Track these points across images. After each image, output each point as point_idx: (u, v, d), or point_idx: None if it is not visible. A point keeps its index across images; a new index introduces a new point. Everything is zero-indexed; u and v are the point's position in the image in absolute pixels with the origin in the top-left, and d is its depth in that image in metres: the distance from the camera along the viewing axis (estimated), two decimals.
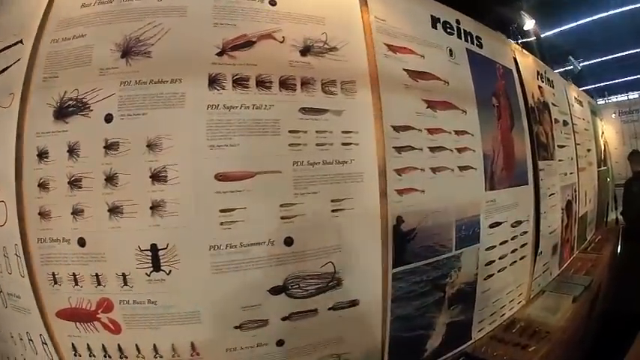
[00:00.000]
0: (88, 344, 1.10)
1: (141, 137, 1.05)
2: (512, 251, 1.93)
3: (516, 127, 2.04)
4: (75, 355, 1.11)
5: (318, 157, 1.17)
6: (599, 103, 4.75)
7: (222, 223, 1.05)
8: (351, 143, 1.23)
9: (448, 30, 1.69)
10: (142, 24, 1.10)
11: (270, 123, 1.12)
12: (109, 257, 1.05)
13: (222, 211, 1.06)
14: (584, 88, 4.38)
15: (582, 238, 3.28)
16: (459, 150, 1.58)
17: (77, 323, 1.09)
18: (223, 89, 1.09)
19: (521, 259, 2.02)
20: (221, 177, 1.06)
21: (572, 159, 2.93)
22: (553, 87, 2.75)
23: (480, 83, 1.76)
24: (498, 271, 1.82)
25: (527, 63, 2.41)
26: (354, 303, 1.22)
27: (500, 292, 1.85)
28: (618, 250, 3.57)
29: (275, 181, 1.11)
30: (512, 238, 1.92)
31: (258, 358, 1.11)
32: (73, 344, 1.11)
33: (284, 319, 1.13)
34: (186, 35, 1.11)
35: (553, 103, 2.67)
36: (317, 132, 1.17)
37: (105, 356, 1.10)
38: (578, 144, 3.16)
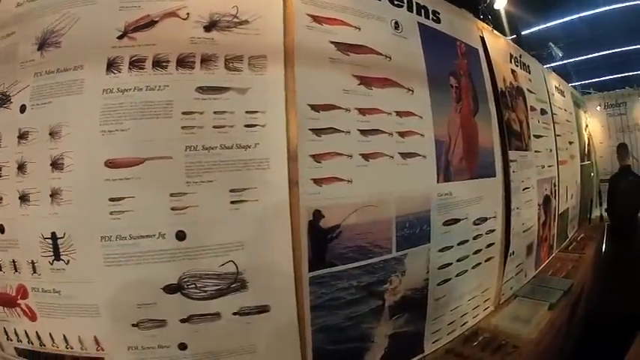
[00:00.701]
0: (14, 329, 1.11)
1: (45, 125, 1.03)
2: (476, 252, 1.67)
3: (481, 112, 1.78)
4: (7, 339, 1.13)
5: (215, 141, 1.02)
6: (583, 94, 4.53)
7: (111, 213, 0.98)
8: (256, 125, 1.06)
9: (396, 2, 1.44)
10: (58, 15, 1.08)
11: (163, 105, 1.01)
12: (22, 244, 1.05)
13: (111, 200, 0.98)
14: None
15: (563, 237, 3.05)
16: (402, 134, 1.33)
17: (4, 308, 1.10)
18: (120, 72, 1.02)
19: (487, 260, 1.76)
20: (110, 164, 0.99)
21: (551, 151, 2.68)
22: (529, 72, 2.50)
23: (433, 60, 1.51)
24: (457, 275, 1.56)
25: (498, 44, 2.16)
26: (263, 309, 1.06)
27: (459, 298, 1.59)
28: (603, 249, 3.36)
29: (165, 168, 0.99)
30: (475, 238, 1.66)
31: None
32: (4, 328, 1.12)
33: (183, 321, 1.01)
34: (93, 22, 1.06)
35: (529, 90, 2.43)
36: (215, 113, 1.03)
37: (28, 342, 1.09)
38: (559, 135, 2.92)
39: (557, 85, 3.20)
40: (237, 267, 1.02)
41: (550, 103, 2.81)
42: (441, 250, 1.47)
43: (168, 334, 1.01)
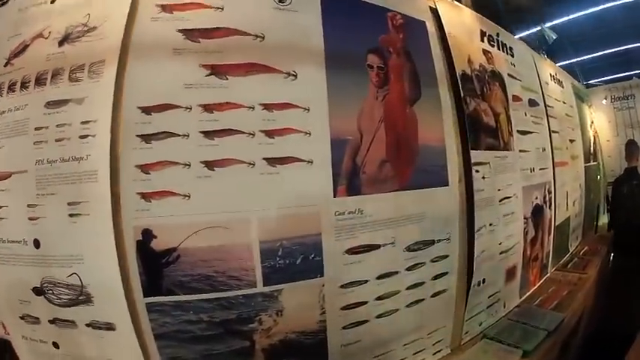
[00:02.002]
0: None
1: None
2: (413, 286, 1.22)
3: (426, 100, 1.32)
4: None
5: (56, 154, 0.98)
6: (587, 87, 3.91)
7: None
8: (88, 135, 0.96)
9: None
10: None
11: (22, 122, 1.02)
12: None
13: None
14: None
15: (562, 251, 2.52)
16: (271, 133, 1.01)
17: None
18: (1, 97, 1.07)
19: (435, 295, 1.30)
20: None
21: (544, 150, 2.17)
22: (512, 55, 2.00)
23: (340, 35, 1.14)
24: (380, 317, 1.13)
25: (461, 17, 1.66)
26: (110, 327, 0.98)
27: (389, 343, 1.17)
28: (609, 265, 2.81)
29: (23, 181, 1.01)
30: (411, 268, 1.21)
31: (45, 355, 1.06)
32: None
33: (51, 322, 1.03)
34: None
35: (512, 75, 1.93)
36: (57, 126, 0.99)
37: None
38: (556, 132, 2.40)
39: (554, 74, 2.68)
40: (81, 280, 0.97)
41: (542, 94, 2.29)
42: (344, 287, 1.06)
43: (43, 331, 1.04)
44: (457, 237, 1.37)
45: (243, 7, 1.04)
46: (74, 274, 0.97)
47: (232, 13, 1.02)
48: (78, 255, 0.95)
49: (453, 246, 1.36)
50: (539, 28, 2.71)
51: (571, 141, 2.77)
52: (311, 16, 1.11)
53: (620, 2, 6.32)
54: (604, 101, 3.67)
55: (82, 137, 0.95)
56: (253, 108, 0.99)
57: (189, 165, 0.93)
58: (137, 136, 0.93)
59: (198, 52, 0.98)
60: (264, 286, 0.98)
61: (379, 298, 1.16)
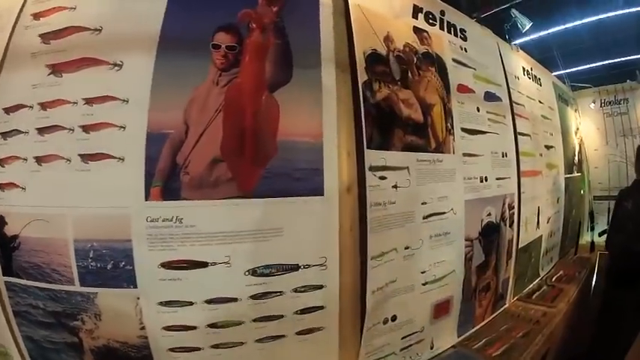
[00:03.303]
0: None
1: None
2: (264, 319, 0.92)
3: (296, 85, 0.97)
4: None
5: None
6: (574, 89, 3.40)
7: None
8: None
9: None
10: None
11: None
12: None
13: None
14: None
15: (528, 277, 2.07)
16: (87, 128, 0.90)
17: None
18: None
19: (303, 333, 0.96)
20: None
21: (504, 156, 1.75)
22: (463, 38, 1.59)
23: (184, 15, 0.95)
24: (215, 347, 0.90)
25: None
26: None
27: None
28: (591, 295, 2.35)
29: None
30: (260, 297, 0.91)
31: None
32: None
33: None
34: None
35: (459, 61, 1.51)
36: None
37: None
38: (525, 134, 1.97)
39: (528, 68, 2.25)
40: None
41: (508, 88, 1.87)
42: (164, 304, 0.88)
43: None
44: (335, 262, 0.97)
45: (90, 3, 0.98)
46: None
47: (81, 11, 0.98)
48: None
49: (331, 274, 0.96)
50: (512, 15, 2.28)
51: (548, 147, 2.33)
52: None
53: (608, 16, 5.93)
54: (592, 105, 3.19)
55: None
56: (76, 103, 0.92)
57: (27, 159, 0.93)
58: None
59: (48, 54, 0.97)
60: (80, 285, 0.90)
61: (213, 326, 0.90)
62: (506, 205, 1.71)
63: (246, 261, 0.88)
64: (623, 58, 6.67)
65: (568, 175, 2.62)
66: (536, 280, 2.17)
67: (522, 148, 1.91)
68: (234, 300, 0.89)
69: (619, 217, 2.24)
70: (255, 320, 0.91)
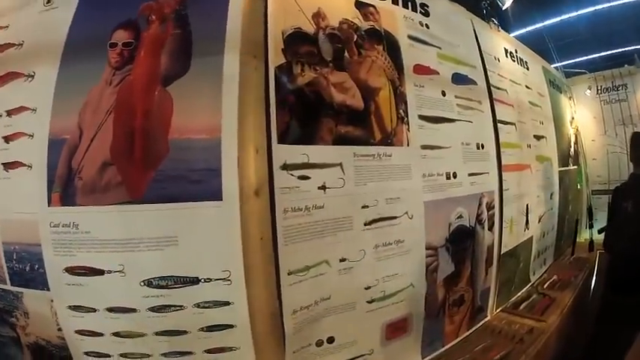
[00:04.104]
0: None
1: None
2: (166, 333, 0.82)
3: (193, 76, 0.84)
4: None
5: None
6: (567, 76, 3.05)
7: None
8: None
9: None
10: None
11: None
12: None
13: None
14: None
15: (515, 285, 1.82)
16: (8, 138, 0.90)
17: None
18: None
19: (213, 352, 0.83)
20: None
21: (481, 147, 1.50)
22: (425, 13, 1.34)
23: (87, 18, 0.91)
24: (123, 356, 0.84)
25: None
26: None
27: None
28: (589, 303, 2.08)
29: None
30: (159, 310, 0.81)
31: None
32: None
33: None
34: None
35: (418, 39, 1.27)
36: None
37: None
38: (508, 123, 1.72)
39: (512, 50, 1.98)
40: None
41: (485, 70, 1.61)
42: (73, 309, 0.84)
43: None
44: (244, 277, 0.81)
45: (20, 18, 0.98)
46: None
47: (13, 28, 0.99)
48: None
49: (238, 290, 0.81)
50: None
51: (538, 138, 2.07)
52: (67, 7, 0.93)
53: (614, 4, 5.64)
54: (588, 92, 2.87)
55: None
56: (2, 115, 0.93)
57: None
58: None
59: None
60: (10, 285, 0.91)
61: (117, 335, 0.84)
62: (484, 205, 1.46)
63: (140, 271, 0.79)
64: (620, 49, 6.30)
65: (563, 169, 2.35)
66: (526, 287, 1.91)
67: (504, 139, 1.66)
68: (134, 310, 0.81)
69: (618, 220, 1.88)
70: (157, 334, 0.82)
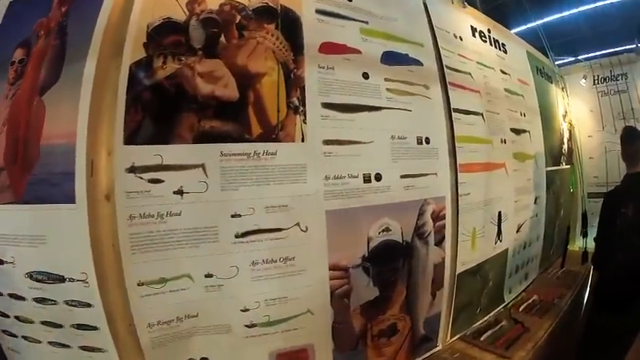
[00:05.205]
0: None
1: None
2: (48, 324, 0.83)
3: (62, 84, 0.82)
4: None
5: None
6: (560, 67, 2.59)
7: None
8: None
9: None
10: None
11: None
12: None
13: None
14: None
15: (482, 307, 1.53)
16: None
17: None
18: None
19: (85, 349, 0.81)
20: None
21: (424, 142, 1.21)
22: None
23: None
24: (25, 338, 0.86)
25: None
26: None
27: None
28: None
29: None
30: (40, 301, 0.81)
31: None
32: None
33: None
34: None
35: (326, 12, 1.01)
36: None
37: None
38: (469, 112, 1.43)
39: (482, 29, 1.69)
40: None
41: (437, 49, 1.34)
42: None
43: None
44: (96, 282, 0.77)
45: None
46: None
47: None
48: None
49: (95, 294, 0.78)
50: None
51: (517, 132, 1.76)
52: None
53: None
54: (583, 81, 2.49)
55: None
56: None
57: None
58: None
59: None
60: None
61: (18, 319, 0.85)
62: (428, 215, 1.18)
63: (24, 264, 0.82)
64: (619, 48, 5.79)
65: (552, 168, 2.03)
66: (498, 309, 1.61)
67: (464, 132, 1.38)
68: (23, 299, 0.83)
69: (618, 228, 1.52)
70: (42, 323, 0.84)
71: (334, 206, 0.94)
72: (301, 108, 0.91)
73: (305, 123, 0.91)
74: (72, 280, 0.78)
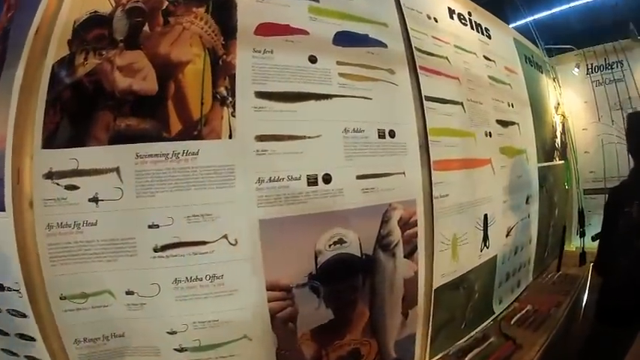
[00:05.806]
0: None
1: None
2: None
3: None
4: None
5: None
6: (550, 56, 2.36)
7: None
8: None
9: None
10: None
11: None
12: None
13: None
14: None
15: (467, 322, 1.37)
16: None
17: None
18: None
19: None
20: None
21: (387, 135, 1.06)
22: None
23: None
24: None
25: None
26: None
27: None
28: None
29: None
30: None
31: None
32: None
33: None
34: None
35: None
36: None
37: None
38: (444, 101, 1.26)
39: (461, 11, 1.52)
40: None
41: (405, 29, 1.18)
42: None
43: None
44: (26, 293, 0.74)
45: None
46: None
47: None
48: None
49: (28, 305, 0.75)
50: None
51: (504, 124, 1.60)
52: None
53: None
54: (575, 71, 2.31)
55: None
56: None
57: None
58: None
59: None
60: None
61: None
62: (394, 222, 1.02)
63: None
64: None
65: (545, 164, 1.86)
66: (486, 323, 1.44)
67: (439, 124, 1.22)
68: None
69: (620, 229, 1.33)
70: None
71: (270, 214, 0.78)
72: (230, 99, 0.76)
73: (233, 116, 0.76)
74: (9, 289, 0.76)
